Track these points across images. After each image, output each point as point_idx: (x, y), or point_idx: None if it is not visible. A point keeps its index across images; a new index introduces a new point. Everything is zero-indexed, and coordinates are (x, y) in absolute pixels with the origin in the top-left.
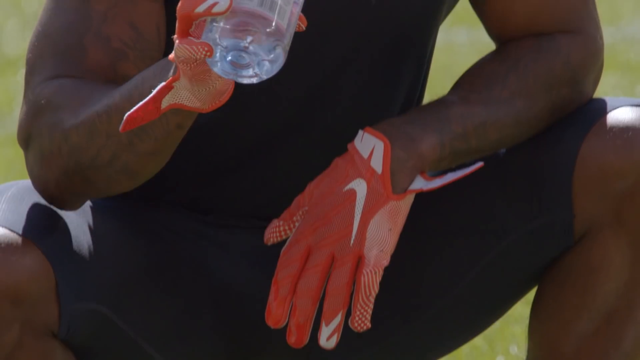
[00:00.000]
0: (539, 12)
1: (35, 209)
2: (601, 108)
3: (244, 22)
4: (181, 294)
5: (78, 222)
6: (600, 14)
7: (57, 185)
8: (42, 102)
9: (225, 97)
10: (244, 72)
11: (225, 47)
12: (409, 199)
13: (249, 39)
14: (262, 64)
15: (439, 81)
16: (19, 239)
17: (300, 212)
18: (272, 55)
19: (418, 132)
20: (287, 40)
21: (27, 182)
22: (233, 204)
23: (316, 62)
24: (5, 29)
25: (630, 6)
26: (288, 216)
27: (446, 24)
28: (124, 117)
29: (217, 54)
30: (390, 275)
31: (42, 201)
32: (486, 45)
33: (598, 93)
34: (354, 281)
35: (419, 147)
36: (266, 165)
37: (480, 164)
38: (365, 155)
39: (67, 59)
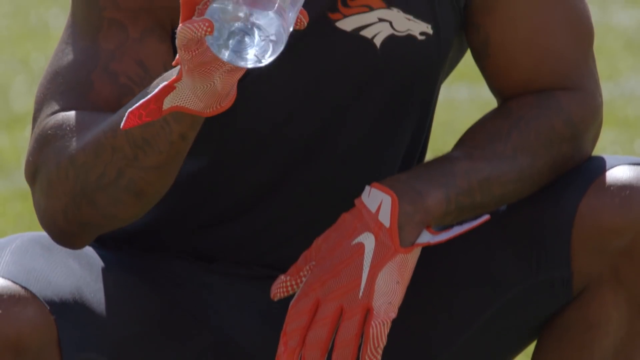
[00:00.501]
0: (540, 67)
1: (38, 261)
2: (600, 166)
3: (246, 0)
4: (183, 347)
5: (81, 274)
6: (599, 70)
7: (64, 215)
8: (49, 132)
9: (226, 104)
10: (244, 54)
11: (226, 24)
12: (416, 252)
13: (251, 15)
14: (262, 47)
15: (440, 136)
16: (21, 291)
17: (308, 267)
18: (273, 37)
19: (424, 187)
20: (289, 24)
21: (32, 234)
22: (234, 251)
23: (319, 111)
24: (14, 86)
25: (629, 62)
26: (295, 271)
27: (447, 80)
28: (126, 114)
29: (217, 33)
30: (397, 326)
31: (46, 253)
32: (487, 101)
33: (597, 148)
34: (362, 333)
35: (426, 202)
36: (266, 213)
37: (486, 217)
38: (373, 209)
39: (73, 93)
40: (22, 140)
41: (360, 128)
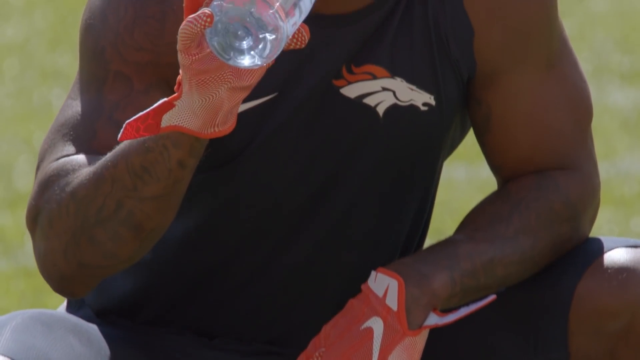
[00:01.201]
0: (540, 146)
1: (38, 338)
2: (597, 249)
3: None
4: None
5: (81, 351)
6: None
7: (64, 255)
8: (51, 175)
9: (224, 129)
10: (241, 51)
11: (225, 17)
12: (424, 334)
13: (250, 11)
14: (260, 46)
15: (438, 215)
16: None
17: (318, 353)
18: (271, 35)
19: (430, 270)
20: (288, 26)
21: (33, 311)
22: (235, 328)
23: (319, 180)
24: (17, 165)
25: (625, 142)
26: (305, 358)
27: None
28: (124, 125)
29: (216, 27)
30: None
31: (46, 330)
32: (485, 181)
33: (593, 227)
34: None
35: (432, 285)
36: (264, 289)
37: (492, 297)
38: (380, 294)
39: (77, 142)
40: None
41: (363, 199)
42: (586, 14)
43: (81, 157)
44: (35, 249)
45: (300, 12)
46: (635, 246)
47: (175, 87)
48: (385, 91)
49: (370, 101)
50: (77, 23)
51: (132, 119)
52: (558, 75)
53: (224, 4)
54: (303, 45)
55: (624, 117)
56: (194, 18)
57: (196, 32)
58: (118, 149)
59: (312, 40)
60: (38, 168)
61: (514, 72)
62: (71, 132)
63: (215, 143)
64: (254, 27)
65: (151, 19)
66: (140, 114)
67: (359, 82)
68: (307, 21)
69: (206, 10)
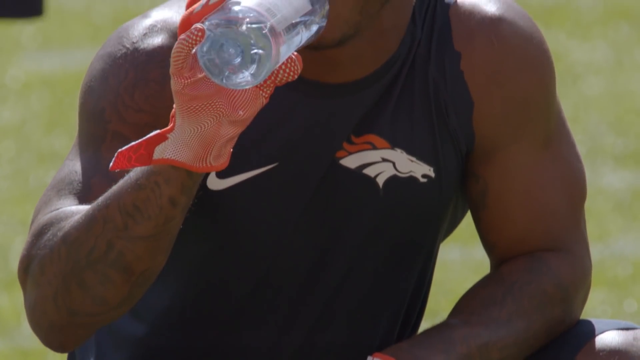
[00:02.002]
0: (534, 225)
1: None
2: (589, 331)
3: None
4: None
5: None
6: (588, 231)
7: (54, 302)
8: (44, 225)
9: (218, 165)
10: (233, 63)
11: (217, 31)
12: None
13: (243, 25)
14: (251, 64)
15: (432, 296)
16: None
17: None
18: (263, 52)
19: (426, 354)
20: (281, 47)
21: None
22: None
23: (318, 251)
24: (13, 246)
25: (619, 224)
26: None
27: None
28: (116, 153)
29: (209, 43)
30: None
31: None
32: (479, 263)
33: (586, 308)
34: None
35: None
36: (264, 357)
37: None
38: None
39: (72, 197)
40: (22, 300)
41: (359, 270)
42: (580, 96)
43: (75, 208)
44: (26, 301)
45: (295, 37)
46: (627, 328)
47: (170, 121)
48: (385, 162)
49: (370, 172)
50: (74, 106)
51: (124, 148)
52: (555, 155)
53: (216, 21)
54: (296, 76)
55: (618, 198)
56: (186, 35)
57: (189, 48)
58: (110, 190)
59: (313, 110)
60: (32, 222)
61: (512, 148)
62: (67, 188)
63: (213, 210)
64: (245, 44)
65: (152, 82)
66: (132, 143)
67: (359, 153)
68: (308, 90)
69: (198, 25)
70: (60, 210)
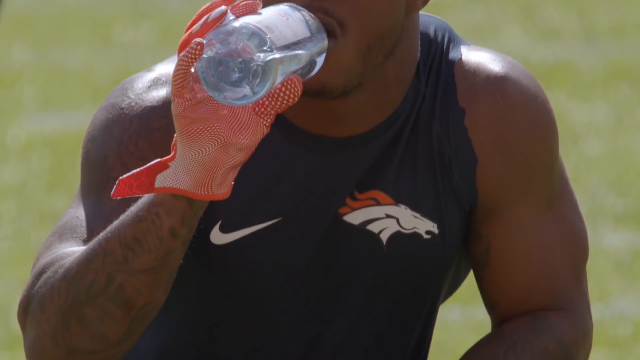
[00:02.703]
0: (536, 284)
1: None
2: None
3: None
4: None
5: None
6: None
7: (54, 339)
8: (45, 265)
9: (220, 194)
10: (232, 79)
11: (216, 43)
12: None
13: (242, 39)
14: (250, 78)
15: (433, 356)
16: None
17: None
18: (261, 64)
19: None
20: (281, 67)
21: None
22: None
23: (322, 307)
24: (14, 306)
25: (619, 284)
26: None
27: None
28: (117, 181)
29: (208, 58)
30: None
31: None
32: (480, 322)
33: None
34: None
35: None
36: None
37: None
38: None
39: (74, 240)
40: (21, 357)
41: (361, 324)
42: (581, 157)
43: (77, 248)
44: (25, 341)
45: (293, 59)
46: None
47: (171, 150)
48: (389, 218)
49: (373, 228)
50: (75, 166)
51: (125, 175)
52: (558, 214)
53: (214, 37)
54: (296, 98)
55: (618, 258)
56: (185, 51)
57: (188, 64)
58: (112, 224)
59: (315, 165)
60: (33, 267)
61: (515, 206)
62: (69, 233)
63: (217, 264)
64: (244, 58)
65: (156, 131)
66: (134, 171)
67: (363, 209)
68: (310, 144)
69: (197, 39)
70: (62, 251)
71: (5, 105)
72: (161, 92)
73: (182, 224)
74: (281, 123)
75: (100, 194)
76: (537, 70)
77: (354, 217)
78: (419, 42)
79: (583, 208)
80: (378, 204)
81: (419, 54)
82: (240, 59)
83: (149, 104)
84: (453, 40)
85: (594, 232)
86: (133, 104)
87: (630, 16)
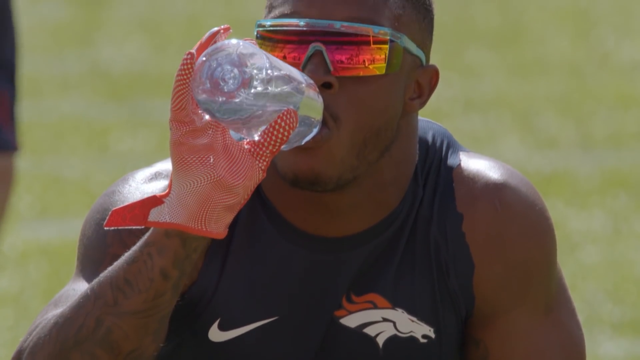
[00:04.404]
0: None
1: None
2: None
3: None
4: None
5: None
6: None
7: None
8: (38, 322)
9: (216, 232)
10: (228, 87)
11: (211, 55)
12: None
13: (235, 49)
14: (247, 86)
15: None
16: None
17: None
18: (255, 69)
19: None
20: (279, 77)
21: None
22: None
23: None
24: None
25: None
26: None
27: None
28: (110, 212)
29: (204, 70)
30: None
31: None
32: None
33: None
34: None
35: None
36: None
37: None
38: None
39: (69, 303)
40: None
41: None
42: (577, 265)
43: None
44: None
45: (285, 90)
46: None
47: (167, 187)
48: (385, 322)
49: (370, 331)
50: (72, 275)
51: (119, 206)
52: (555, 321)
53: (209, 50)
54: (292, 129)
55: None
56: (179, 66)
57: (185, 78)
58: (106, 269)
59: (311, 264)
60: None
61: (512, 313)
62: (64, 302)
63: None
64: (239, 65)
65: None
66: (128, 203)
67: (360, 312)
68: (306, 243)
69: (187, 51)
70: (56, 311)
71: None
72: (162, 184)
73: (174, 265)
74: (278, 221)
75: (96, 269)
76: (534, 178)
77: (351, 320)
78: (417, 145)
79: (580, 316)
80: (375, 307)
81: (416, 157)
82: (234, 66)
83: (149, 191)
84: (452, 147)
85: (591, 340)
86: (133, 190)
87: (627, 125)
